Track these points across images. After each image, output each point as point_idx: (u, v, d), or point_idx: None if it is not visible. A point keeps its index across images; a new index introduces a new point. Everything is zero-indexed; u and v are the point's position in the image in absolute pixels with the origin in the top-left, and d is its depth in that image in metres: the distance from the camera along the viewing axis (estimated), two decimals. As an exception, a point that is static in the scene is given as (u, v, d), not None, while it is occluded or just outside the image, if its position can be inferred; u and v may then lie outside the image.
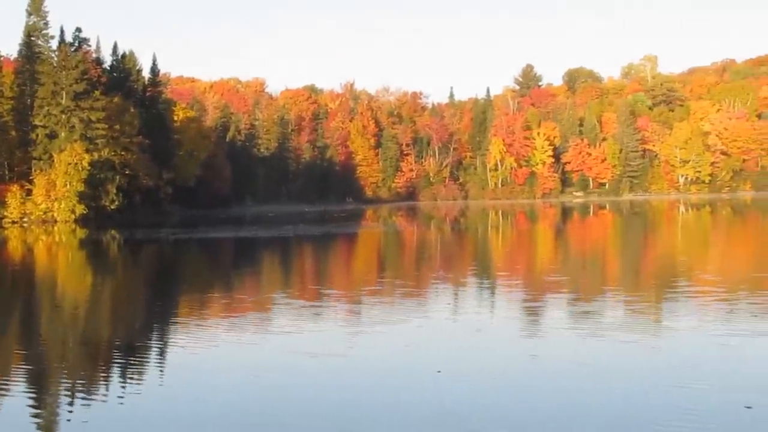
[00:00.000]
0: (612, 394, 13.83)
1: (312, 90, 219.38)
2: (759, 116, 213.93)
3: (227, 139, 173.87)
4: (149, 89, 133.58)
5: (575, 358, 16.70)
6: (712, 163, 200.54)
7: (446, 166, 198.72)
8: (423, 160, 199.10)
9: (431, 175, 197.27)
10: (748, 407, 12.78)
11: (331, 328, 20.88)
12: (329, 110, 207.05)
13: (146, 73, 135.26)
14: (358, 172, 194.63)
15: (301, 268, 40.79)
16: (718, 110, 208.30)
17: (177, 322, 22.97)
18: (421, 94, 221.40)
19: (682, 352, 17.23)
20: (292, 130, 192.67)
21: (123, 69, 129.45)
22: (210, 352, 18.25)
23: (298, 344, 18.76)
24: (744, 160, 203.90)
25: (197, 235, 69.30)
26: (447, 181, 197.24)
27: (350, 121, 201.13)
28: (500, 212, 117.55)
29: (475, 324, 21.52)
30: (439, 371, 15.77)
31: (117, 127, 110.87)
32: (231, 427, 12.51)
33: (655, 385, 14.31)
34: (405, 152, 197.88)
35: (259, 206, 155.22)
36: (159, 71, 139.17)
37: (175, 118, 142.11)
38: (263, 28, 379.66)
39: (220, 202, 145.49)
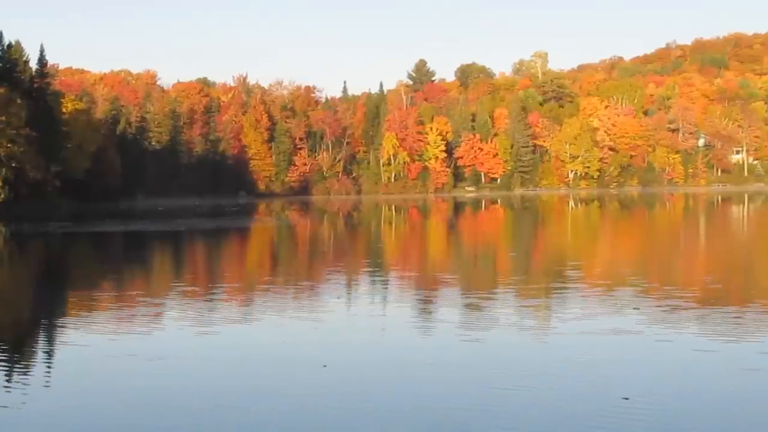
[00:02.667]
0: (487, 391, 14.06)
1: (204, 83, 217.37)
2: (646, 113, 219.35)
3: (117, 132, 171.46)
4: (36, 80, 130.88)
5: (453, 357, 16.95)
6: (601, 159, 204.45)
7: (339, 160, 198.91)
8: (316, 154, 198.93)
9: (324, 169, 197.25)
10: (625, 398, 13.13)
11: (220, 323, 20.79)
12: (222, 103, 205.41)
13: (33, 64, 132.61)
14: (251, 165, 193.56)
15: (193, 264, 40.46)
16: (607, 107, 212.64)
17: (63, 320, 22.59)
18: (314, 88, 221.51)
19: (564, 348, 17.59)
20: (184, 123, 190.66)
21: (9, 59, 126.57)
22: (97, 351, 18.01)
23: (187, 342, 18.67)
24: (631, 156, 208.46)
25: (86, 229, 68.28)
26: (340, 175, 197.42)
27: (243, 114, 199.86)
28: (393, 207, 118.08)
29: (363, 318, 21.69)
30: (324, 365, 15.86)
31: (3, 118, 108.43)
32: (113, 429, 12.42)
33: (540, 381, 14.61)
34: (298, 146, 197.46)
35: (150, 200, 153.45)
36: (47, 62, 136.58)
37: (64, 110, 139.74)
38: (155, 20, 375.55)
39: (110, 196, 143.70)
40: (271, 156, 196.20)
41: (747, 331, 18.67)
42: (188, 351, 17.60)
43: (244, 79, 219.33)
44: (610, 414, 12.37)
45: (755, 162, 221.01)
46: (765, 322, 19.90)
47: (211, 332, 19.66)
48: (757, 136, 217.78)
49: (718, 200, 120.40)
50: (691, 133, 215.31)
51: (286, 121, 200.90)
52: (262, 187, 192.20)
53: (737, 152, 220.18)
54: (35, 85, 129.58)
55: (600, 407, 12.74)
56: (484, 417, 12.40)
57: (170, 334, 19.82)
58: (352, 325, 20.74)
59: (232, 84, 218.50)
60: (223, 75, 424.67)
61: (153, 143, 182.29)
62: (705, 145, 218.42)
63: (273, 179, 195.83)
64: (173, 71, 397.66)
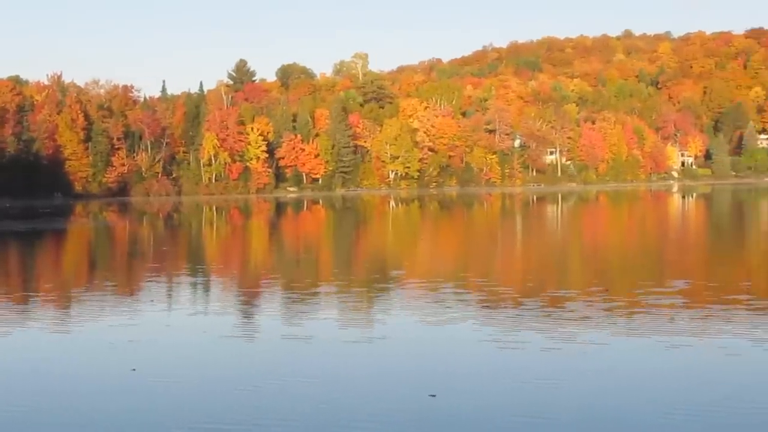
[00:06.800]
0: (295, 392, 14.15)
1: (17, 81, 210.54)
2: (464, 114, 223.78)
3: None
4: None
5: (273, 359, 17.04)
6: (421, 159, 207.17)
7: (159, 160, 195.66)
8: (135, 154, 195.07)
9: (143, 170, 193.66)
10: (432, 395, 13.40)
11: (30, 329, 20.29)
12: (35, 102, 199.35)
13: None
14: (66, 166, 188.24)
15: (1, 268, 39.19)
16: (426, 108, 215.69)
17: None
18: (132, 87, 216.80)
19: (373, 346, 17.84)
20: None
21: None
22: None
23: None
24: (450, 157, 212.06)
25: None
26: (160, 176, 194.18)
27: (58, 114, 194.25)
28: (214, 208, 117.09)
29: (176, 320, 21.50)
30: (134, 369, 15.67)
31: None
32: None
33: (346, 381, 14.78)
34: (116, 146, 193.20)
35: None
36: None
37: None
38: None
39: None
40: (87, 156, 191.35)
41: (555, 325, 19.29)
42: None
43: (59, 77, 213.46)
44: (416, 411, 12.62)
45: (568, 162, 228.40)
46: (577, 316, 20.57)
47: (55, 333, 19.18)
48: (569, 138, 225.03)
49: (533, 200, 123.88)
50: (507, 134, 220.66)
51: (103, 121, 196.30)
52: (79, 188, 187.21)
53: (551, 153, 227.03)
54: None
55: (407, 405, 12.96)
56: (293, 419, 12.48)
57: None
58: (165, 328, 20.51)
59: (47, 83, 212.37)
60: (36, 73, 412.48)
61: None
62: (521, 146, 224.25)
63: (90, 180, 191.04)
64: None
